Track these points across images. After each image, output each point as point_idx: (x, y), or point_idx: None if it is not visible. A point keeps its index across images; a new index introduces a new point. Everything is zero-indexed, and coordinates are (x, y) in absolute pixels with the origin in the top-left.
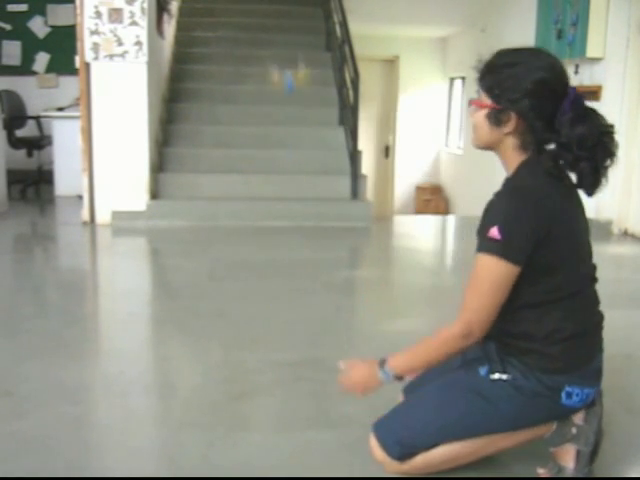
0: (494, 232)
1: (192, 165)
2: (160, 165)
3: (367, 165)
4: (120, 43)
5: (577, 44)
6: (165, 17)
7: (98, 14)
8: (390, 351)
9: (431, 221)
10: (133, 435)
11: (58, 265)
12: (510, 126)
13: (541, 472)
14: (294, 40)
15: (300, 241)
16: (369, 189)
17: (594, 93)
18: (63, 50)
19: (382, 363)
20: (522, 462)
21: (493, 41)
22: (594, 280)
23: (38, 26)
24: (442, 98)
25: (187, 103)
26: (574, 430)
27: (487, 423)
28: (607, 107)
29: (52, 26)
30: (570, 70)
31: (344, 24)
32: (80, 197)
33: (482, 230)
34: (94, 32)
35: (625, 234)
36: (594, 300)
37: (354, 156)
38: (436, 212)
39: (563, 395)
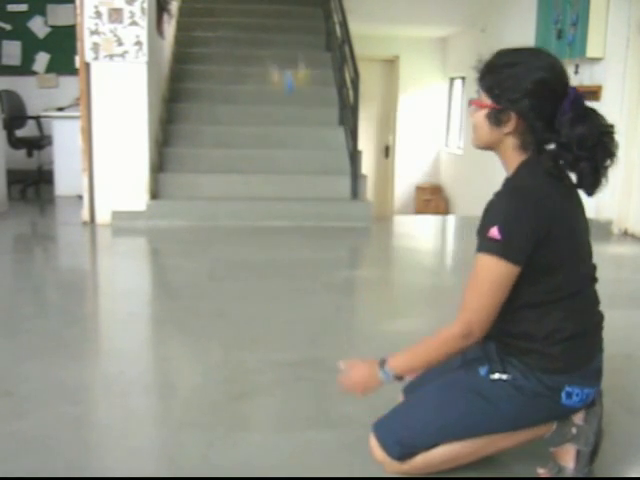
0: (494, 232)
1: (192, 165)
2: (160, 165)
3: (367, 165)
4: (120, 43)
5: (577, 44)
6: (165, 17)
7: (98, 14)
8: (390, 351)
9: (431, 221)
10: (133, 435)
11: (58, 265)
12: (510, 126)
13: (541, 472)
14: (294, 40)
15: (300, 241)
16: (369, 189)
17: (594, 93)
18: (63, 50)
19: (382, 363)
20: (522, 462)
21: (493, 41)
22: (594, 280)
23: (38, 26)
24: (442, 98)
25: (187, 103)
26: (574, 430)
27: (487, 423)
28: (607, 107)
29: (52, 26)
30: (570, 70)
31: (344, 24)
32: (80, 197)
33: (482, 230)
34: (94, 32)
35: (625, 234)
36: (594, 300)
37: (354, 156)
38: (436, 212)
39: (563, 395)
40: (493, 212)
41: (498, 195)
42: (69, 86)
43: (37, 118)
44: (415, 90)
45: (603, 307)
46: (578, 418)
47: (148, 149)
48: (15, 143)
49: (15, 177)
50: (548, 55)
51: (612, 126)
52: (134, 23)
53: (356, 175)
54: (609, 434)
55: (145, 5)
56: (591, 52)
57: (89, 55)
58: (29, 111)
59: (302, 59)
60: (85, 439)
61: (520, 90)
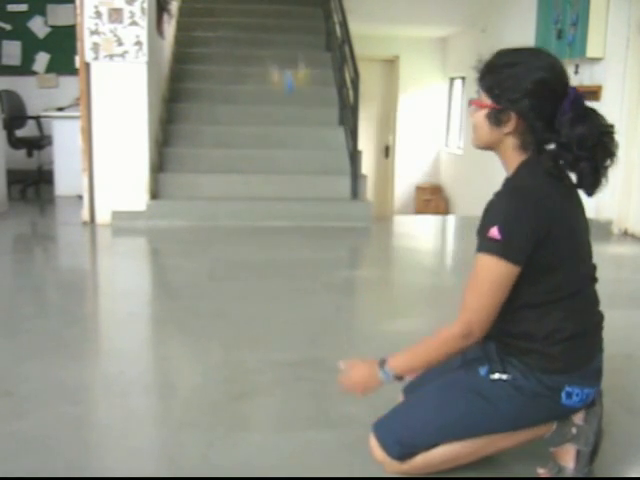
0: (494, 232)
1: (192, 165)
2: (160, 165)
3: (367, 165)
4: (120, 43)
5: (577, 44)
6: (165, 17)
7: (98, 14)
8: (390, 351)
9: (431, 221)
10: (133, 435)
11: (58, 265)
12: (510, 126)
13: (541, 472)
14: (294, 40)
15: (300, 241)
16: (369, 189)
17: (594, 93)
18: (63, 50)
19: (382, 363)
20: (522, 462)
21: (493, 41)
22: (594, 280)
23: (38, 26)
24: (442, 98)
25: (187, 103)
26: (574, 430)
27: (487, 423)
28: (607, 107)
29: (52, 26)
30: (570, 70)
31: (344, 24)
32: (80, 197)
33: (482, 230)
34: (94, 32)
35: (625, 234)
36: (594, 300)
37: (354, 156)
38: (436, 212)
39: (563, 395)
40: (493, 212)
41: (498, 195)
42: (69, 86)
43: (37, 118)
44: (415, 90)
45: (603, 307)
46: (578, 418)
47: (148, 149)
48: (15, 143)
49: (15, 177)
50: (548, 55)
51: (612, 126)
52: (134, 23)
53: (356, 175)
54: (609, 434)
55: (145, 5)
56: (591, 52)
57: (89, 55)
58: (29, 111)
59: (302, 59)
60: (85, 439)
61: (520, 90)
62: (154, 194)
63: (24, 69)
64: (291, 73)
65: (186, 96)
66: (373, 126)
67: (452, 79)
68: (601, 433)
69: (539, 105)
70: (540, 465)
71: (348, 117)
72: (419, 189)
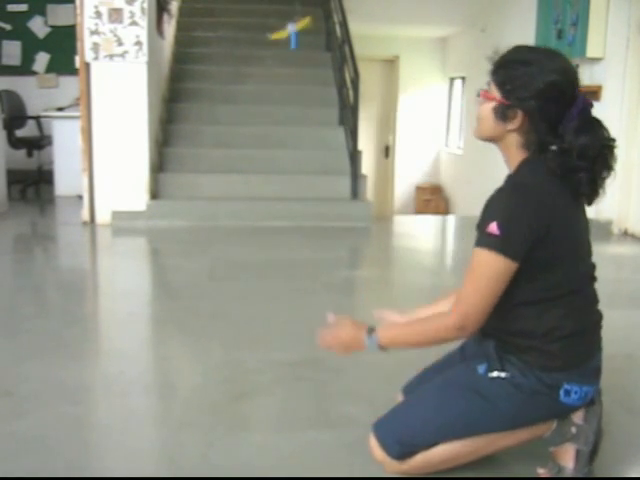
0: (493, 227)
1: (192, 165)
2: (160, 165)
3: (367, 165)
4: (120, 43)
5: (577, 44)
6: (165, 17)
7: (98, 14)
8: (390, 351)
9: (431, 221)
10: (133, 435)
11: (58, 265)
12: (515, 123)
13: (541, 472)
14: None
15: (300, 241)
16: (369, 189)
17: (594, 93)
18: (63, 50)
19: (371, 330)
20: (522, 462)
21: (493, 41)
22: (593, 279)
23: (38, 26)
24: (442, 98)
25: (187, 103)
26: (574, 429)
27: (486, 421)
28: (607, 107)
29: (52, 26)
30: None
31: (344, 24)
32: (80, 197)
33: (481, 225)
34: (94, 32)
35: (625, 234)
36: (593, 299)
37: (354, 156)
38: (436, 212)
39: (562, 393)
40: (493, 207)
41: (499, 191)
42: (69, 86)
43: (37, 118)
44: (415, 90)
45: (603, 307)
46: (578, 417)
47: (148, 149)
48: (15, 143)
49: (15, 177)
50: (564, 59)
51: (614, 139)
52: (134, 23)
53: (356, 175)
54: (609, 434)
55: (145, 5)
56: (591, 52)
57: (89, 55)
58: (29, 111)
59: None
60: (85, 439)
61: (531, 90)
62: (154, 194)
63: (24, 69)
64: (294, 25)
65: (186, 96)
66: (373, 126)
67: (452, 79)
68: (601, 433)
69: (547, 107)
70: (540, 465)
71: (348, 117)
72: (419, 189)
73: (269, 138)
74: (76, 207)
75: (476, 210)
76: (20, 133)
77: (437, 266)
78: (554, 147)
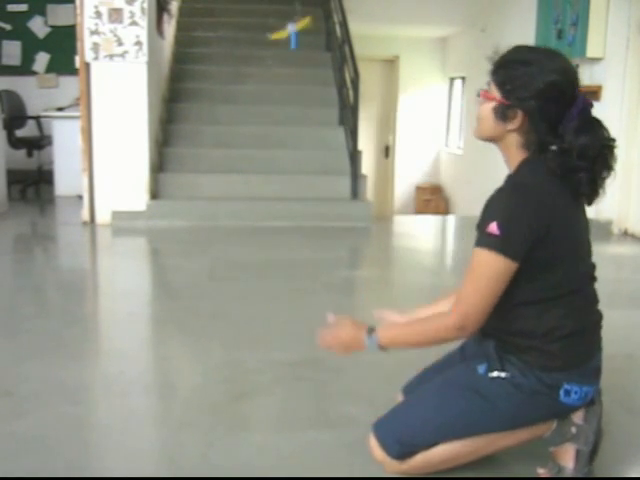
0: (493, 227)
1: (192, 165)
2: (160, 165)
3: (367, 165)
4: (120, 43)
5: (577, 44)
6: (165, 17)
7: (98, 14)
8: (390, 351)
9: (431, 221)
10: (133, 435)
11: (58, 265)
12: (515, 123)
13: (541, 472)
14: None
15: (300, 241)
16: (369, 189)
17: (594, 93)
18: (63, 50)
19: (371, 330)
20: (522, 462)
21: (493, 41)
22: (593, 279)
23: (38, 26)
24: (442, 98)
25: (187, 103)
26: (574, 429)
27: (486, 421)
28: (607, 107)
29: (52, 26)
30: None
31: (344, 24)
32: (80, 197)
33: (481, 225)
34: (94, 32)
35: (625, 234)
36: (593, 299)
37: (354, 156)
38: (436, 212)
39: (561, 393)
40: (493, 207)
41: (499, 191)
42: (69, 86)
43: (37, 118)
44: (415, 90)
45: (603, 307)
46: (578, 417)
47: (148, 149)
48: (15, 143)
49: (15, 177)
50: (564, 59)
51: (614, 140)
52: (134, 23)
53: (356, 175)
54: (609, 434)
55: (145, 5)
56: (591, 52)
57: (89, 55)
58: (29, 111)
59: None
60: (85, 439)
61: (531, 90)
62: (154, 194)
63: (24, 69)
64: (294, 25)
65: (186, 96)
66: (373, 126)
67: (452, 79)
68: (601, 433)
69: (547, 107)
70: (540, 465)
71: (348, 117)
72: (419, 189)
73: (269, 138)
74: (76, 207)
75: (476, 210)
76: (20, 133)
77: (437, 266)
78: (554, 147)
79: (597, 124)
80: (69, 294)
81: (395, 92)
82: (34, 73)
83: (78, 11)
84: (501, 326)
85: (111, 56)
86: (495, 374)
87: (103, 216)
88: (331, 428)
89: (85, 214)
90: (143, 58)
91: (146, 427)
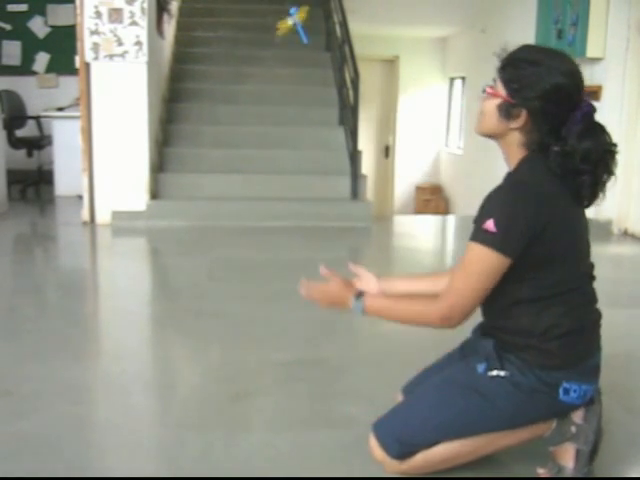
0: (490, 224)
1: (192, 165)
2: (160, 165)
3: (367, 165)
4: (120, 43)
5: (577, 44)
6: (165, 17)
7: (98, 14)
8: (390, 351)
9: (431, 221)
10: (133, 435)
11: (58, 265)
12: (519, 122)
13: (541, 472)
14: (294, 39)
15: (300, 241)
16: (369, 189)
17: (594, 93)
18: (63, 50)
19: (360, 294)
20: (522, 462)
21: (493, 41)
22: (592, 278)
23: (38, 26)
24: (442, 98)
25: (187, 103)
26: (573, 429)
27: (485, 420)
28: (607, 107)
29: (52, 26)
30: None
31: (344, 24)
32: (80, 197)
33: (478, 220)
34: (94, 32)
35: (625, 234)
36: (592, 298)
37: (354, 156)
38: (436, 212)
39: (560, 391)
40: (491, 204)
41: (498, 188)
42: (69, 86)
43: (37, 118)
44: (415, 90)
45: (603, 306)
46: (577, 417)
47: (148, 149)
48: (15, 143)
49: (15, 177)
50: (572, 61)
51: (615, 145)
52: (134, 23)
53: (356, 175)
54: (609, 434)
55: (145, 5)
56: (591, 52)
57: (89, 55)
58: (29, 111)
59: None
60: (86, 439)
61: (537, 90)
62: (154, 194)
63: (24, 69)
64: (294, 17)
65: (186, 96)
66: (373, 126)
67: (452, 79)
68: (601, 432)
69: (551, 109)
70: (540, 465)
71: (348, 117)
72: (419, 189)
73: (269, 138)
74: (76, 207)
75: (476, 210)
76: (20, 133)
77: (437, 266)
78: (556, 148)
79: (600, 129)
80: (69, 294)
81: (395, 92)
82: (34, 73)
83: (78, 11)
84: (500, 325)
85: (111, 56)
86: (494, 373)
87: (103, 216)
88: (331, 428)
89: (85, 214)
90: (143, 58)
91: (146, 427)
